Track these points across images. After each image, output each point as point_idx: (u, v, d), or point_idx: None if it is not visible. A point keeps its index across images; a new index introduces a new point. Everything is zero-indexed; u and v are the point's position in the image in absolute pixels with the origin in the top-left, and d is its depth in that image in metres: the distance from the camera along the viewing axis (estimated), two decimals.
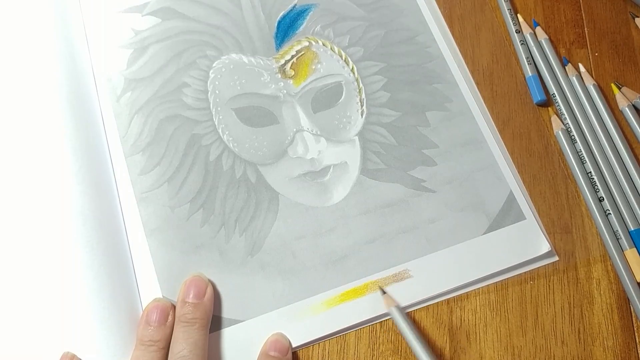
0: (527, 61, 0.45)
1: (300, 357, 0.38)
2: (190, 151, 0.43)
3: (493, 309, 0.39)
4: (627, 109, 0.44)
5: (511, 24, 0.47)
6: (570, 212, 0.41)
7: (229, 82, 0.45)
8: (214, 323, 0.38)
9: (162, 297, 0.39)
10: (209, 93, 0.44)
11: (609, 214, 0.41)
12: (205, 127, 0.43)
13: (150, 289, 0.39)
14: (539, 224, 0.41)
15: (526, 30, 0.47)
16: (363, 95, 0.45)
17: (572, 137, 0.43)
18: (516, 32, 0.46)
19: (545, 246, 0.40)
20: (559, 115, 0.44)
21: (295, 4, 0.47)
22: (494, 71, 0.46)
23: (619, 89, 0.44)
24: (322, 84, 0.45)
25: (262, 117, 0.44)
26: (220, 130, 0.43)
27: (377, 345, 0.38)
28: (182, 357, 0.35)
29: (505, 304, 0.39)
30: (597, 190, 0.41)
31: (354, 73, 0.45)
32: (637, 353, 0.38)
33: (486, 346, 0.38)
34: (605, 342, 0.38)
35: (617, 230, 0.40)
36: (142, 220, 0.41)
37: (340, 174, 0.42)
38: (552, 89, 0.45)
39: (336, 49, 0.46)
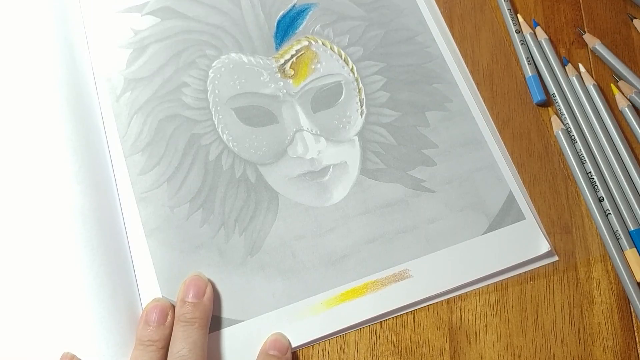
0: (527, 61, 0.45)
1: (300, 357, 0.38)
2: (189, 151, 0.42)
3: (493, 309, 0.39)
4: (627, 109, 0.44)
5: (511, 24, 0.47)
6: (570, 212, 0.41)
7: (229, 81, 0.45)
8: (214, 323, 0.38)
9: (161, 297, 0.39)
10: (209, 92, 0.44)
11: (609, 214, 0.41)
12: (205, 126, 0.43)
13: (150, 289, 0.39)
14: (538, 224, 0.41)
15: (526, 30, 0.47)
16: (363, 95, 0.45)
17: (572, 137, 0.43)
18: (516, 32, 0.46)
19: (545, 246, 0.40)
20: (559, 115, 0.44)
21: (295, 4, 0.47)
22: (494, 71, 0.46)
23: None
24: (321, 84, 0.45)
25: (262, 117, 0.44)
26: (219, 130, 0.43)
27: (377, 345, 0.38)
28: (181, 357, 0.35)
29: (505, 304, 0.39)
30: (597, 190, 0.41)
31: (353, 73, 0.45)
32: (637, 353, 0.38)
33: (486, 346, 0.38)
34: (605, 342, 0.38)
35: (617, 230, 0.40)
36: (141, 220, 0.41)
37: (340, 174, 0.42)
38: (552, 89, 0.45)
39: (336, 49, 0.46)
